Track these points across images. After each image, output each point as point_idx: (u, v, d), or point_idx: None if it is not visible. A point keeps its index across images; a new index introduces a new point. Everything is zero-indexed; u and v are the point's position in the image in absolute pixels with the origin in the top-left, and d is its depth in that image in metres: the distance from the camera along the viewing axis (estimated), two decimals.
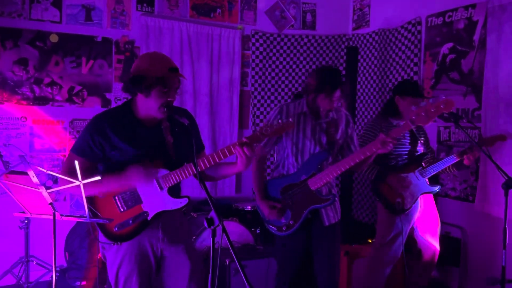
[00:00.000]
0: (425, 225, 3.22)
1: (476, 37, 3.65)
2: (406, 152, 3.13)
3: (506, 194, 2.63)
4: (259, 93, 4.70)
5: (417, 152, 3.16)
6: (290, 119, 2.54)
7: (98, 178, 1.76)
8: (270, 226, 2.69)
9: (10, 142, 3.78)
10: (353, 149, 2.73)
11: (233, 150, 1.99)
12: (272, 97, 4.75)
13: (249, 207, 4.02)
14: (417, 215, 3.16)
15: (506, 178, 2.63)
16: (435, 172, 3.11)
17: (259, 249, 3.30)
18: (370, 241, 3.77)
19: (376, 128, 3.08)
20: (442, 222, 3.90)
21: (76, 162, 1.72)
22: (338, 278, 2.74)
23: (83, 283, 3.63)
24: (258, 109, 4.71)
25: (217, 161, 2.02)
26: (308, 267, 2.73)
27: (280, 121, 2.04)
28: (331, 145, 2.63)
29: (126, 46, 4.14)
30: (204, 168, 2.05)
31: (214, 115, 4.53)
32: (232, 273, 3.04)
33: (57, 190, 1.96)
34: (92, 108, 4.05)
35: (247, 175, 4.71)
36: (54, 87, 3.93)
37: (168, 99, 2.01)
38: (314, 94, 2.57)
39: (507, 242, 2.65)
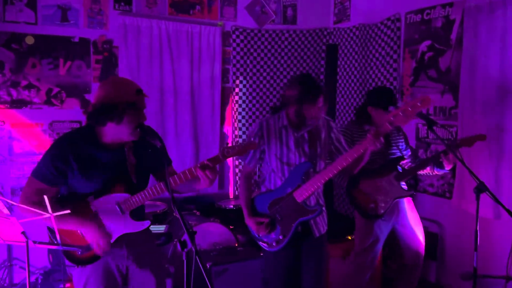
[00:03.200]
0: (408, 228, 3.22)
1: (453, 35, 3.67)
2: (379, 156, 3.14)
3: (477, 198, 2.67)
4: (240, 89, 4.70)
5: (392, 155, 3.17)
6: (252, 139, 2.57)
7: (68, 211, 1.77)
8: (260, 242, 2.65)
9: None
10: (342, 151, 2.69)
11: (194, 172, 2.01)
12: (254, 93, 4.75)
13: (232, 205, 4.06)
14: (397, 218, 3.19)
15: (478, 182, 2.67)
16: (412, 175, 3.14)
17: (240, 251, 3.34)
18: (349, 238, 3.85)
19: (347, 135, 3.05)
20: (420, 217, 3.99)
21: (45, 197, 1.72)
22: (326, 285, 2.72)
23: (67, 285, 3.65)
24: (240, 105, 4.72)
25: (179, 183, 2.04)
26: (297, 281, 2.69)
27: (241, 141, 2.05)
28: (313, 154, 2.59)
29: (104, 46, 4.09)
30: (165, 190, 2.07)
31: (196, 113, 4.53)
32: (214, 277, 3.08)
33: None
34: (71, 109, 4.02)
35: (229, 172, 4.75)
36: (32, 89, 3.88)
37: (140, 121, 2.01)
38: (298, 105, 2.51)
39: (478, 242, 2.73)
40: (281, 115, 2.62)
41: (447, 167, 3.09)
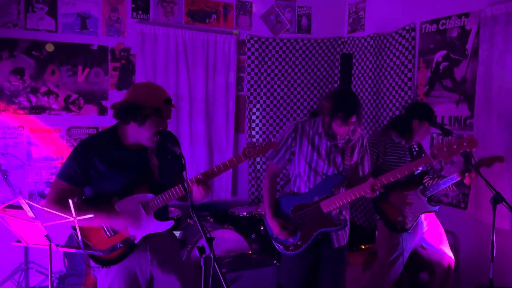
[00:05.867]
0: (434, 239, 3.21)
1: (469, 46, 3.67)
2: None
3: (494, 209, 2.67)
4: (254, 97, 4.73)
5: (417, 170, 3.16)
6: (285, 138, 2.57)
7: (91, 216, 1.81)
8: (277, 244, 2.64)
9: (7, 151, 3.83)
10: (360, 171, 2.67)
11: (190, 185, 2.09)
12: (268, 101, 4.78)
13: (245, 213, 4.07)
14: (421, 233, 3.17)
15: (494, 193, 2.67)
16: (436, 191, 3.13)
17: (254, 259, 3.34)
18: (363, 247, 3.84)
19: (380, 145, 3.05)
20: None
21: (70, 201, 1.76)
22: None
23: None
24: (254, 113, 4.75)
25: (180, 195, 2.12)
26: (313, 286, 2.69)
27: (262, 141, 2.09)
28: (346, 168, 2.56)
29: (122, 53, 4.16)
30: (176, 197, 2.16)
31: (210, 120, 4.57)
32: (228, 283, 3.09)
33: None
34: (88, 116, 4.09)
35: (243, 179, 4.78)
36: (51, 95, 3.96)
37: (160, 128, 2.06)
38: (329, 119, 2.48)
39: (495, 253, 2.71)
40: (316, 121, 2.60)
41: (467, 183, 3.03)
